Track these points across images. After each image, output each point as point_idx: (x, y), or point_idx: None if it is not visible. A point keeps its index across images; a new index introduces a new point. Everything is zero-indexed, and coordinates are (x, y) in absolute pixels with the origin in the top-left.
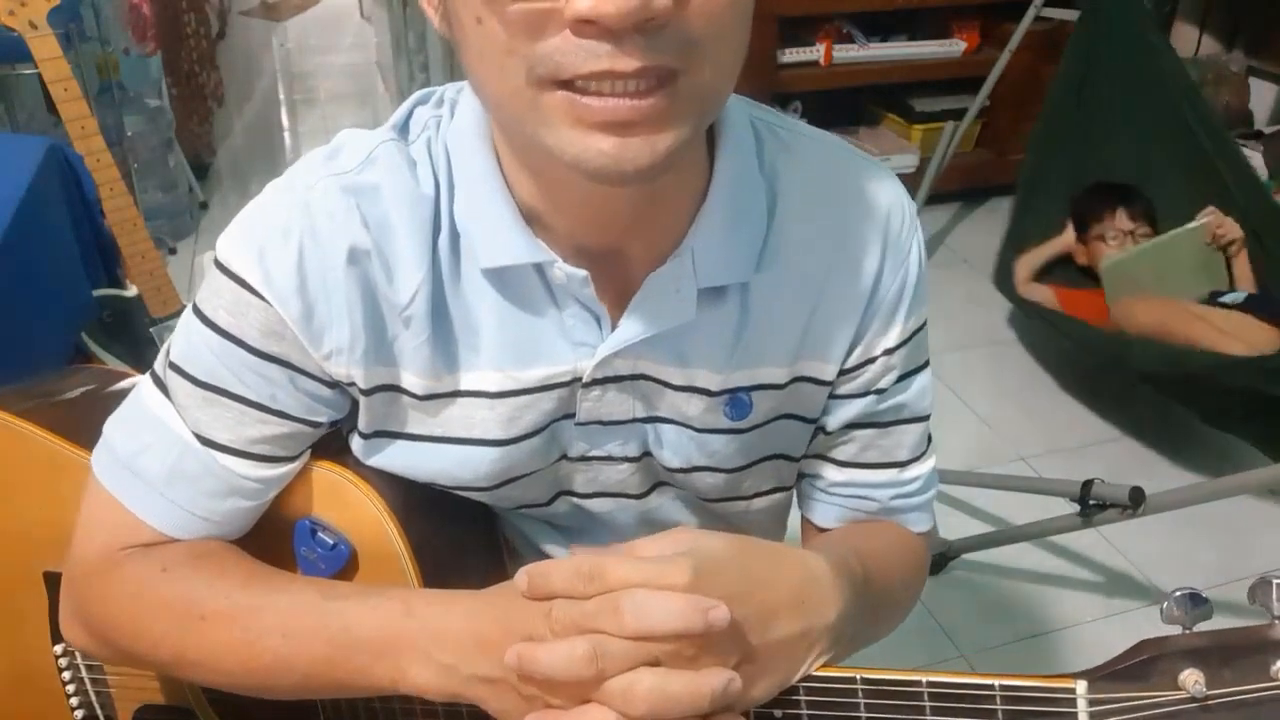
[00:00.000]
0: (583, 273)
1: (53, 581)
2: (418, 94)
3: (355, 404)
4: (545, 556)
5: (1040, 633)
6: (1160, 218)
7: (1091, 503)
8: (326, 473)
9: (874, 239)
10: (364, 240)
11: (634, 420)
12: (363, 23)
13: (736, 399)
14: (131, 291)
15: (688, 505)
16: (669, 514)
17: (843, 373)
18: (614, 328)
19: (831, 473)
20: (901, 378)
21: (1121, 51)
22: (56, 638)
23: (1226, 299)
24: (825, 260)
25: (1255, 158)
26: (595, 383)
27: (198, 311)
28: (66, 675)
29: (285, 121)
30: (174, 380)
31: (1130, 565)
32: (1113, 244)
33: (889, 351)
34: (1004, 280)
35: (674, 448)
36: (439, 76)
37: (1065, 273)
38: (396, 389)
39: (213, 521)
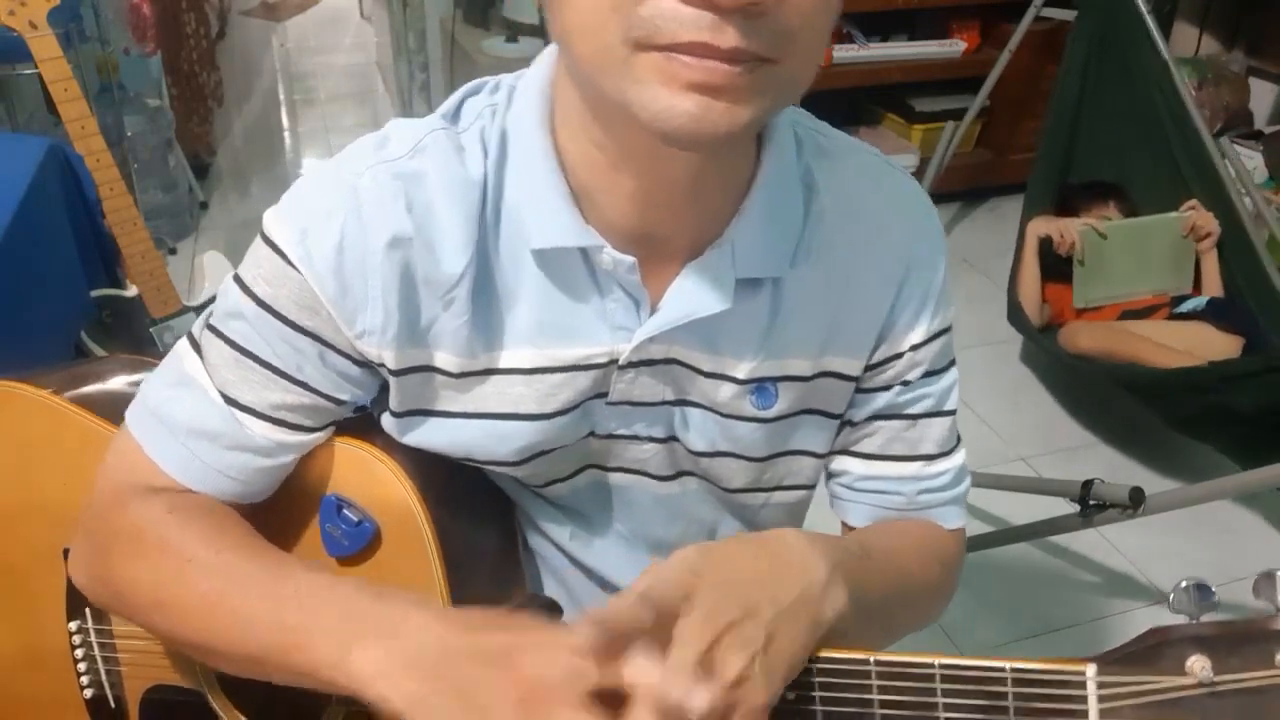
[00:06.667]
0: (631, 259)
1: None
2: (468, 85)
3: (384, 386)
4: (555, 550)
5: (1040, 632)
6: (1141, 215)
7: (1091, 503)
8: (354, 450)
9: (901, 244)
10: (407, 227)
11: (663, 403)
12: (363, 23)
13: (763, 388)
14: (131, 291)
15: (709, 496)
16: (691, 503)
17: (868, 368)
18: (652, 313)
19: (857, 467)
20: (928, 374)
21: (1112, 52)
22: (72, 615)
23: (1186, 307)
24: (854, 261)
25: (1255, 158)
26: (630, 365)
27: (238, 279)
28: (79, 653)
29: (285, 121)
30: (208, 340)
31: (1130, 565)
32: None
33: (915, 348)
34: (1016, 314)
35: (700, 431)
36: (439, 76)
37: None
38: (430, 369)
39: (228, 477)
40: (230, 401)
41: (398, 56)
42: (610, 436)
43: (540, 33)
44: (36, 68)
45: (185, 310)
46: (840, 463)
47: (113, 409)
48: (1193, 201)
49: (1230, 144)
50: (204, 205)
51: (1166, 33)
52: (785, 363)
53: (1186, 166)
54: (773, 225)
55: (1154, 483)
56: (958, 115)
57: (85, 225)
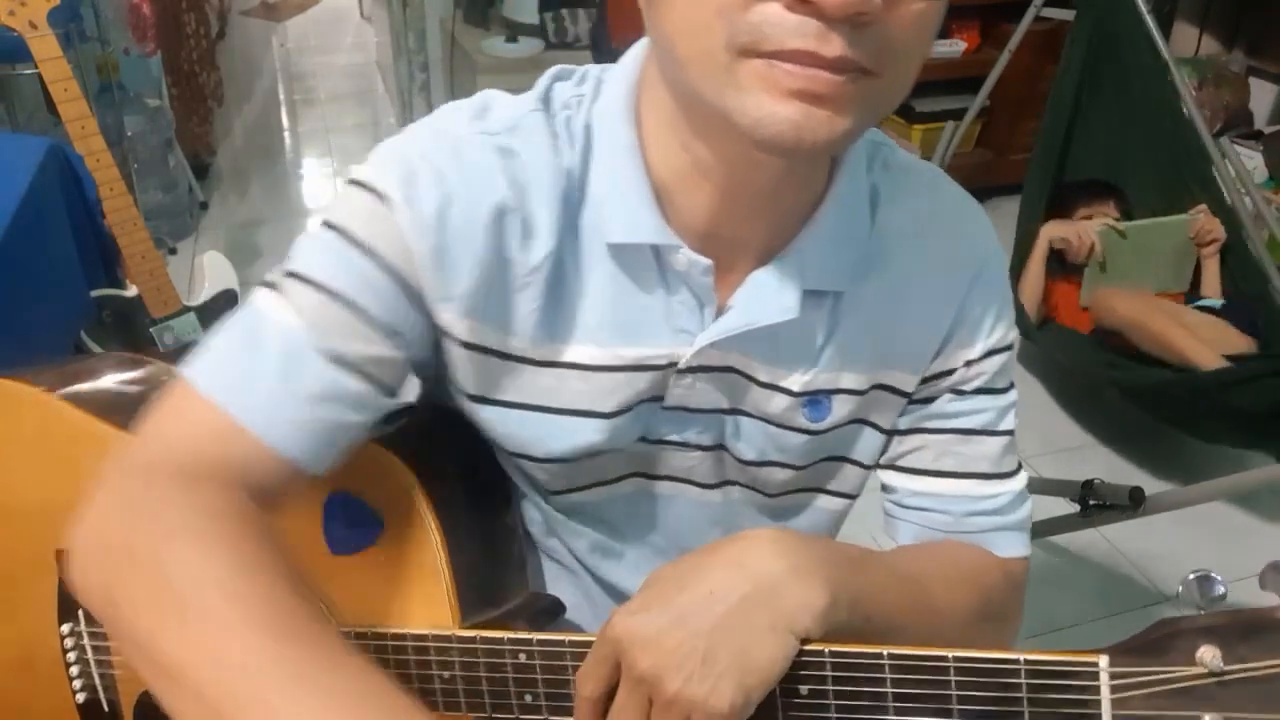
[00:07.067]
0: (707, 261)
1: (65, 560)
2: (556, 69)
3: (438, 361)
4: (572, 558)
5: (1040, 633)
6: (1136, 216)
7: (1091, 503)
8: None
9: (963, 262)
10: (510, 200)
11: (717, 411)
12: (363, 23)
13: (816, 400)
14: (131, 291)
15: (749, 505)
16: (732, 512)
17: (923, 381)
18: (715, 318)
19: (908, 483)
20: (984, 390)
21: (1112, 52)
22: (64, 617)
23: (1204, 303)
24: (915, 277)
25: (1255, 158)
26: (689, 370)
27: (329, 224)
28: (72, 656)
29: (285, 121)
30: (294, 287)
31: (1130, 565)
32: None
33: (969, 363)
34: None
35: (750, 440)
36: (439, 76)
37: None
38: (499, 353)
39: (309, 431)
40: (321, 349)
41: (398, 56)
42: (661, 442)
43: (540, 33)
44: (36, 68)
45: (185, 310)
46: (892, 478)
47: (107, 407)
48: (1201, 206)
49: (1230, 144)
50: (204, 205)
51: (1166, 33)
52: (840, 376)
53: (1186, 167)
54: (841, 238)
55: (1154, 483)
56: (958, 115)
57: (85, 225)
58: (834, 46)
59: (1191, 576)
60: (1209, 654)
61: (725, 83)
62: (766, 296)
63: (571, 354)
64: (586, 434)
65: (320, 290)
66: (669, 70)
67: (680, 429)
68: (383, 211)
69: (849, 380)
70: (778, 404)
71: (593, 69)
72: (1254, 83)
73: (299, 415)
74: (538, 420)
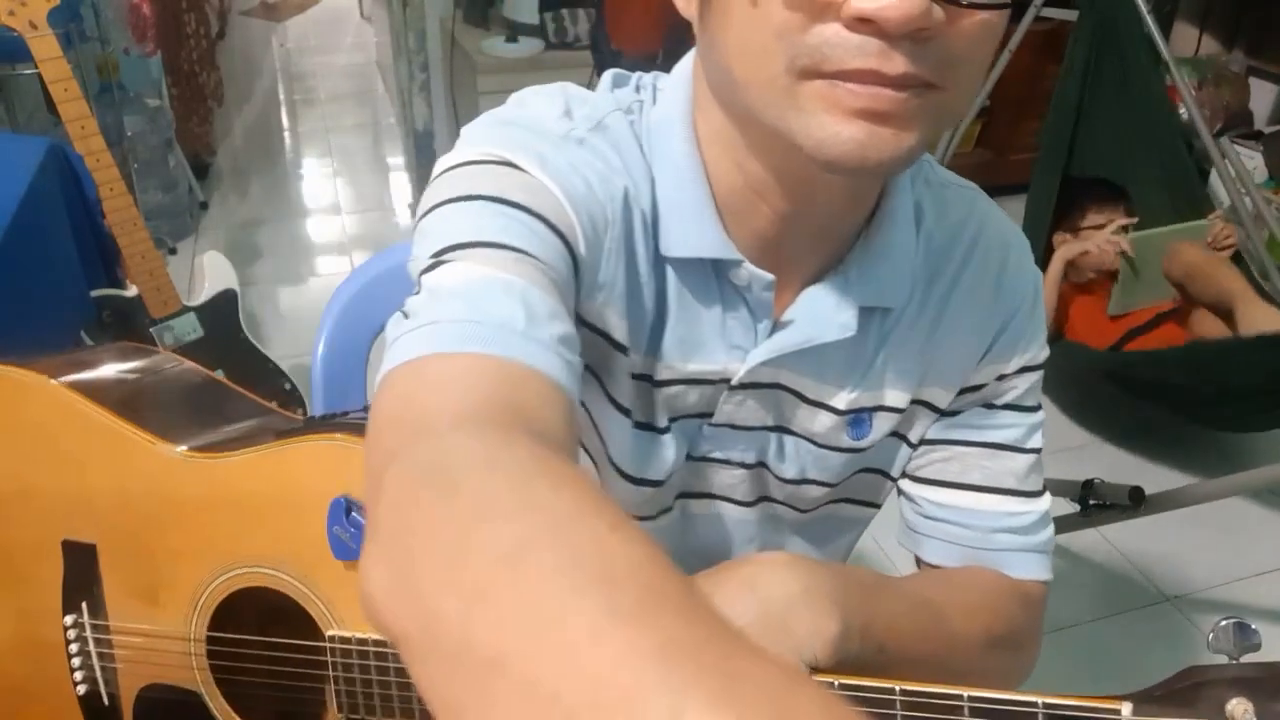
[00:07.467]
0: (769, 276)
1: (71, 550)
2: (611, 73)
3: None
4: None
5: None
6: (1139, 216)
7: (1091, 502)
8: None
9: (1003, 281)
10: (631, 190)
11: (762, 428)
12: (363, 23)
13: (859, 419)
14: (131, 291)
15: (782, 520)
16: (765, 529)
17: (956, 395)
18: (771, 333)
19: (932, 494)
20: (1014, 406)
21: (1113, 52)
22: (68, 608)
23: None
24: (956, 294)
25: (1255, 158)
26: (741, 387)
27: (476, 197)
28: (74, 648)
29: (285, 121)
30: (476, 253)
31: (1130, 565)
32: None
33: (1002, 377)
34: None
35: (793, 459)
36: (439, 76)
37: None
38: (609, 354)
39: (568, 374)
40: (541, 300)
41: (398, 56)
42: (705, 459)
43: (540, 33)
44: (36, 68)
45: (185, 310)
46: (916, 489)
47: (113, 396)
48: (1218, 212)
49: (1230, 144)
50: (204, 205)
51: (1166, 33)
52: (883, 393)
53: (1186, 167)
54: (893, 255)
55: (1154, 483)
56: None
57: (85, 225)
58: (896, 64)
59: (1224, 623)
60: (1240, 708)
61: (786, 105)
62: (825, 313)
63: (649, 367)
64: (662, 447)
65: (506, 249)
66: (724, 90)
67: (724, 446)
68: (533, 182)
69: (891, 398)
70: (822, 422)
71: (645, 76)
72: (1254, 83)
73: (559, 356)
74: (636, 435)
